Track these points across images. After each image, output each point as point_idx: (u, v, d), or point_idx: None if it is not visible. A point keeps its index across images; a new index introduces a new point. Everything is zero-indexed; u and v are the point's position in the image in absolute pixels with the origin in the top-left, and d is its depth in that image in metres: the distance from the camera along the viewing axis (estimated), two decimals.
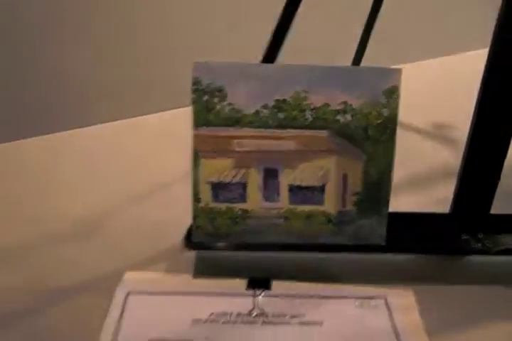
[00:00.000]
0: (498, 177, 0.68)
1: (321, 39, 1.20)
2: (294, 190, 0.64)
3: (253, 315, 0.60)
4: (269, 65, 0.70)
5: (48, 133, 0.93)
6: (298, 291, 0.63)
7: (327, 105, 0.62)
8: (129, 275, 0.65)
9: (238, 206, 0.64)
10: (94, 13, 1.37)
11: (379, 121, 0.62)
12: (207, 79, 0.61)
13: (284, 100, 0.61)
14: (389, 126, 0.62)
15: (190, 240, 0.66)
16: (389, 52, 1.09)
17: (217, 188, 0.63)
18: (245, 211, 0.64)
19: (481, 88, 0.66)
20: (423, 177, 0.85)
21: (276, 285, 0.64)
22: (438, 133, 0.97)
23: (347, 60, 0.94)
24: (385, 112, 0.62)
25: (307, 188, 0.64)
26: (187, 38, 1.27)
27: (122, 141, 0.93)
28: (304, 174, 0.63)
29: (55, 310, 0.62)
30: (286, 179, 0.63)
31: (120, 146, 0.92)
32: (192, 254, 0.68)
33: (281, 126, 0.62)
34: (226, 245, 0.67)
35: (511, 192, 0.75)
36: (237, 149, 0.63)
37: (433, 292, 0.64)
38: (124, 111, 0.99)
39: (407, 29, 1.31)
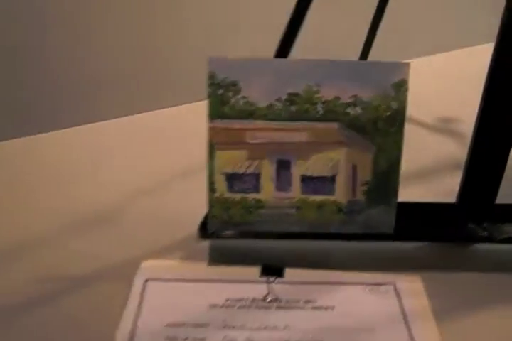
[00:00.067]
0: (503, 169, 0.69)
1: (328, 34, 1.20)
2: (305, 180, 0.65)
3: (267, 300, 0.62)
4: (282, 60, 0.72)
5: (65, 128, 0.95)
6: (310, 278, 0.65)
7: (338, 98, 0.63)
8: (146, 264, 0.67)
9: (252, 196, 0.65)
10: (108, 8, 1.38)
11: (388, 114, 0.64)
12: (222, 73, 0.62)
13: (297, 94, 0.63)
14: (398, 118, 0.64)
15: (205, 229, 0.68)
16: (396, 47, 1.10)
17: (232, 179, 0.65)
18: (259, 201, 0.66)
19: (486, 82, 0.67)
20: (430, 170, 0.87)
21: (289, 273, 0.66)
22: (445, 127, 0.98)
23: (354, 55, 0.94)
24: (394, 105, 0.64)
25: (318, 179, 0.65)
26: (201, 33, 1.29)
27: (137, 134, 0.95)
28: (315, 165, 0.65)
29: (75, 297, 0.64)
30: (298, 170, 0.65)
31: (135, 139, 0.94)
32: (206, 243, 0.70)
33: (293, 118, 0.64)
34: (240, 234, 0.69)
35: None
36: (251, 141, 0.64)
37: (440, 278, 0.66)
38: (141, 105, 1.00)
39: (414, 24, 1.32)
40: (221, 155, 0.65)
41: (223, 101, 0.63)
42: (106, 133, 0.95)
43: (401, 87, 0.63)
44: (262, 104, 0.63)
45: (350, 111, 0.64)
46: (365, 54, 0.95)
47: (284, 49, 0.74)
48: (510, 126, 0.68)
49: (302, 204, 0.66)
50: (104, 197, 0.79)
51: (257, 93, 0.63)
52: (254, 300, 0.62)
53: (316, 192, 0.66)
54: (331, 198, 0.66)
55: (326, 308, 0.62)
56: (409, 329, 0.60)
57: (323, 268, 0.66)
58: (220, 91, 0.63)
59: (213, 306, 0.62)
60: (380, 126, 0.64)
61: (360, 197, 0.66)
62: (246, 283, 0.65)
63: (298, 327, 0.59)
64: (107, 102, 1.04)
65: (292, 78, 0.63)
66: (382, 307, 0.62)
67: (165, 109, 1.01)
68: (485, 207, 0.70)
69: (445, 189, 0.72)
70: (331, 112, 0.64)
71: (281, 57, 0.74)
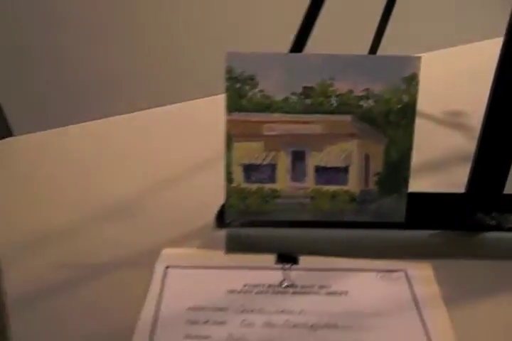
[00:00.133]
0: (511, 160, 0.70)
1: (338, 28, 1.21)
2: (319, 171, 0.67)
3: (283, 286, 0.65)
4: (297, 55, 0.74)
5: (90, 120, 0.97)
6: (324, 265, 0.67)
7: (351, 91, 0.65)
8: (167, 251, 0.69)
9: (268, 186, 0.68)
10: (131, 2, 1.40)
11: (399, 106, 0.66)
12: (239, 67, 0.64)
13: (311, 87, 0.65)
14: (409, 111, 0.66)
15: (222, 219, 0.70)
16: (406, 41, 1.10)
17: (249, 170, 0.67)
18: (274, 191, 0.68)
19: (495, 76, 0.68)
20: (440, 161, 0.88)
21: (304, 260, 0.68)
22: (454, 120, 0.99)
23: (364, 49, 0.96)
24: (405, 98, 0.65)
25: (332, 169, 0.67)
26: (219, 29, 1.30)
27: (158, 128, 0.97)
28: (329, 156, 0.67)
29: (98, 283, 0.66)
30: (312, 161, 0.67)
31: (156, 133, 0.95)
32: (223, 232, 0.72)
33: (308, 111, 0.66)
34: (256, 223, 0.71)
35: None
36: (267, 133, 0.66)
37: (450, 265, 0.67)
38: (161, 99, 1.02)
39: (425, 18, 1.33)
40: (238, 147, 0.67)
41: (241, 94, 0.65)
42: (128, 127, 0.97)
43: (412, 80, 0.65)
44: (278, 97, 0.65)
45: (363, 104, 0.65)
46: (374, 48, 0.96)
47: (299, 44, 0.76)
48: None
49: (316, 194, 0.68)
50: (126, 189, 0.82)
51: (273, 87, 0.65)
52: (270, 285, 0.65)
53: (329, 182, 0.68)
54: (344, 188, 0.68)
55: (340, 294, 0.64)
56: (420, 315, 0.62)
57: (337, 256, 0.68)
58: (238, 85, 0.65)
59: (231, 291, 0.64)
60: (392, 119, 0.66)
61: (372, 187, 0.68)
62: (262, 269, 0.67)
63: (313, 312, 0.62)
64: (127, 96, 1.07)
65: (307, 72, 0.65)
66: (393, 294, 0.64)
67: (184, 103, 1.02)
68: (493, 197, 0.72)
69: (454, 179, 0.73)
70: (345, 105, 0.66)
71: (297, 52, 0.76)
